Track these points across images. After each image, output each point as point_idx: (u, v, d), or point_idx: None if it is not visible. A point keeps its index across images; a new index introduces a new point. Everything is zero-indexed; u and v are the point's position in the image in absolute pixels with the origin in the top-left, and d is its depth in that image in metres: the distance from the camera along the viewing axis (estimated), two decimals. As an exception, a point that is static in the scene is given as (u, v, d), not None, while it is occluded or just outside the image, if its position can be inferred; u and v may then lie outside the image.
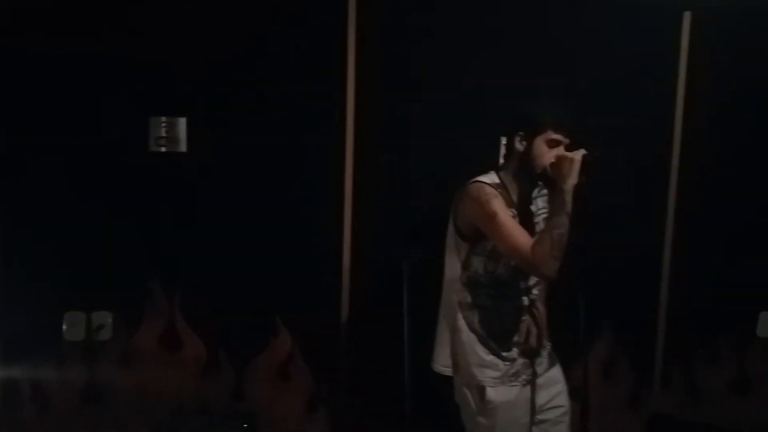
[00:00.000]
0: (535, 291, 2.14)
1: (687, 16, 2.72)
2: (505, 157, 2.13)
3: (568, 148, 1.98)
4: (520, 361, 2.10)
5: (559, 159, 1.95)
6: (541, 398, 2.14)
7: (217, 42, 2.60)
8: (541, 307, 2.19)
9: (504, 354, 2.08)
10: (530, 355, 2.12)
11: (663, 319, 2.85)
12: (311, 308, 2.72)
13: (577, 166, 1.91)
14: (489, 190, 2.01)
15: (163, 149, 2.61)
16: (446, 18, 2.67)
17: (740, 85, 2.74)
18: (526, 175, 2.06)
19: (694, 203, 2.79)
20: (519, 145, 2.03)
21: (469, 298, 2.10)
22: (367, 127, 2.67)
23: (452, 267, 2.13)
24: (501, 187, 2.05)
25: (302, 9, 2.62)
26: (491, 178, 2.08)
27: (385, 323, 2.58)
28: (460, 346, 2.12)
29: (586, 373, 2.07)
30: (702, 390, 2.91)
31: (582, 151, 1.93)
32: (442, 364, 2.22)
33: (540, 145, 1.99)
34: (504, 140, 2.15)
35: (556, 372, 2.21)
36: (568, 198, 1.90)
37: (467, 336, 2.10)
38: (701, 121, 2.76)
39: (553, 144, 1.99)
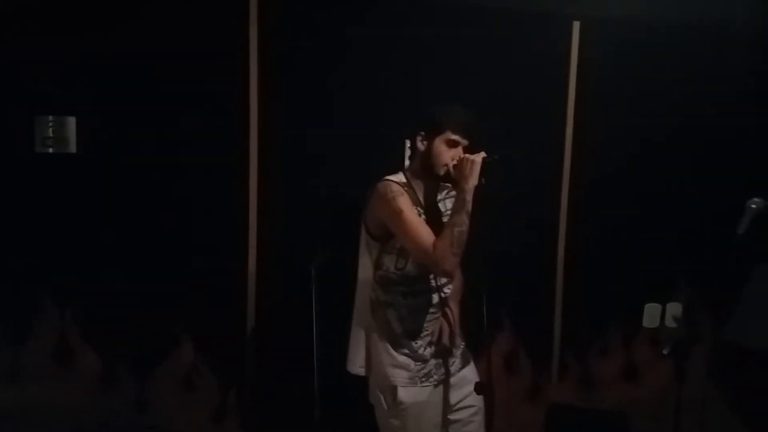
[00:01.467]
0: (446, 289, 2.19)
1: (576, 26, 2.87)
2: (411, 158, 2.19)
3: (470, 151, 2.05)
4: (433, 361, 2.14)
5: (460, 160, 2.03)
6: (453, 398, 2.20)
7: (112, 36, 2.48)
8: (454, 306, 2.25)
9: (416, 353, 2.12)
10: (443, 354, 2.17)
11: (559, 314, 2.99)
12: (215, 315, 2.65)
13: (477, 168, 1.99)
14: (395, 188, 2.05)
15: (51, 150, 2.46)
16: (352, 26, 2.69)
17: (626, 90, 2.92)
18: (429, 175, 2.12)
19: (584, 203, 2.95)
20: (421, 146, 2.10)
21: (382, 297, 2.13)
22: (271, 129, 2.64)
23: (365, 267, 2.16)
24: (407, 186, 2.10)
25: (202, 8, 2.55)
26: (399, 177, 2.13)
27: (293, 328, 2.55)
28: (374, 346, 2.15)
29: (490, 368, 2.13)
30: (595, 379, 3.08)
31: (482, 154, 2.01)
32: (358, 365, 2.22)
33: (439, 144, 2.06)
34: (408, 142, 2.20)
35: (469, 371, 2.27)
36: (468, 198, 1.98)
37: (380, 335, 2.13)
38: (590, 124, 2.92)
39: (452, 144, 2.06)
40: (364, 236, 2.16)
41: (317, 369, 2.41)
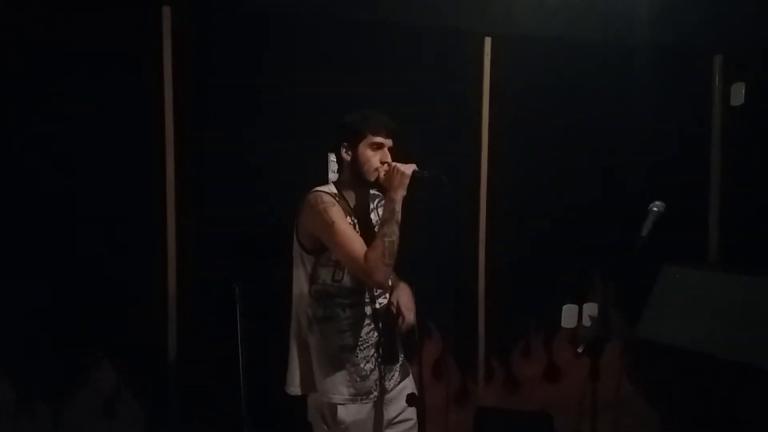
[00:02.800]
0: (379, 300, 2.17)
1: (488, 42, 2.98)
2: (339, 171, 2.19)
3: (400, 160, 2.07)
4: (373, 376, 2.11)
5: (390, 170, 2.04)
6: (393, 412, 2.18)
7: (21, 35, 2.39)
8: (408, 313, 2.18)
9: (356, 368, 2.08)
10: (382, 368, 2.14)
11: (482, 318, 3.07)
12: (136, 338, 2.56)
13: (406, 180, 2.01)
14: (327, 198, 2.04)
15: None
16: (271, 41, 2.70)
17: (537, 102, 3.05)
18: (360, 184, 2.12)
19: (501, 210, 3.05)
20: (346, 156, 2.11)
21: (319, 312, 2.09)
22: (188, 143, 2.60)
23: (299, 282, 2.12)
24: (339, 197, 2.10)
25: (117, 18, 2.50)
26: (329, 188, 2.12)
27: (218, 347, 2.50)
28: (313, 364, 2.10)
29: (422, 377, 2.15)
30: (519, 380, 3.17)
31: (412, 166, 2.04)
32: (292, 384, 2.15)
33: (364, 150, 2.08)
34: (332, 156, 2.21)
35: (408, 383, 2.25)
36: (398, 208, 2.00)
37: (319, 352, 2.09)
38: (505, 135, 3.03)
39: (376, 147, 2.08)
40: (297, 250, 2.13)
41: (244, 390, 2.37)
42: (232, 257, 2.60)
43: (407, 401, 2.07)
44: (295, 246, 2.13)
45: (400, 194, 2.01)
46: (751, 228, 3.10)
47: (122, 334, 2.54)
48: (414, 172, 2.03)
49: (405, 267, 2.10)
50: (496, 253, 3.05)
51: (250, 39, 2.67)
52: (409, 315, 2.15)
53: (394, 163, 2.06)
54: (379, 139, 2.08)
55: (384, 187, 2.08)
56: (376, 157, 2.08)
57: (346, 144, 2.10)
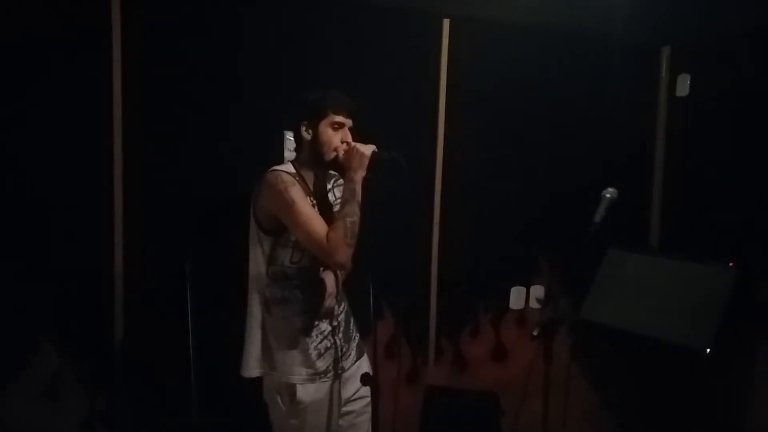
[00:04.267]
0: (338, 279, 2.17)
1: (446, 23, 2.98)
2: (296, 149, 2.15)
3: (359, 141, 2.06)
4: (330, 355, 2.12)
5: (350, 150, 2.03)
6: (349, 390, 2.20)
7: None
8: (343, 298, 2.23)
9: (315, 349, 2.08)
10: (339, 347, 2.15)
11: (434, 299, 3.10)
12: (80, 319, 2.46)
13: (365, 161, 2.01)
14: (287, 178, 2.01)
15: None
16: (227, 18, 2.61)
17: (494, 86, 3.08)
18: (319, 163, 2.10)
19: (456, 193, 3.07)
20: (306, 134, 2.07)
21: (278, 294, 2.07)
22: (137, 120, 2.50)
23: (256, 263, 2.09)
24: (297, 176, 2.07)
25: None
26: (287, 167, 2.08)
27: (168, 329, 2.44)
28: (271, 345, 2.08)
29: (376, 357, 2.17)
30: (468, 360, 3.23)
31: (372, 147, 2.03)
32: (252, 366, 2.12)
33: (325, 129, 2.05)
34: (290, 134, 2.17)
35: (363, 362, 2.28)
36: (358, 188, 2.00)
37: (277, 333, 2.08)
38: (461, 119, 3.04)
39: (337, 126, 2.06)
40: (254, 230, 2.09)
41: (194, 372, 2.32)
42: (183, 236, 2.53)
43: (361, 380, 2.11)
44: (253, 226, 2.09)
45: (360, 175, 2.00)
46: (691, 215, 3.24)
47: (66, 316, 2.44)
48: (373, 153, 2.03)
49: (360, 248, 2.09)
50: (449, 235, 3.08)
51: (203, 15, 2.58)
52: (330, 300, 2.13)
53: (354, 144, 2.05)
54: (340, 119, 2.06)
55: (342, 167, 2.06)
56: (336, 137, 2.06)
57: (306, 122, 2.07)
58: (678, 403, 2.96)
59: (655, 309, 2.83)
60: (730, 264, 2.70)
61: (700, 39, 3.18)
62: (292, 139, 2.17)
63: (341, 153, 2.05)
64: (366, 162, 2.00)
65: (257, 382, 2.19)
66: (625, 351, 3.06)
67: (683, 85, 3.31)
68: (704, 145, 3.17)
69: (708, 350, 2.68)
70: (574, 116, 3.24)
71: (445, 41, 2.99)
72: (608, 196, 2.26)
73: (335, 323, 2.16)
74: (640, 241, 3.36)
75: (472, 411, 3.05)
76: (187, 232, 2.55)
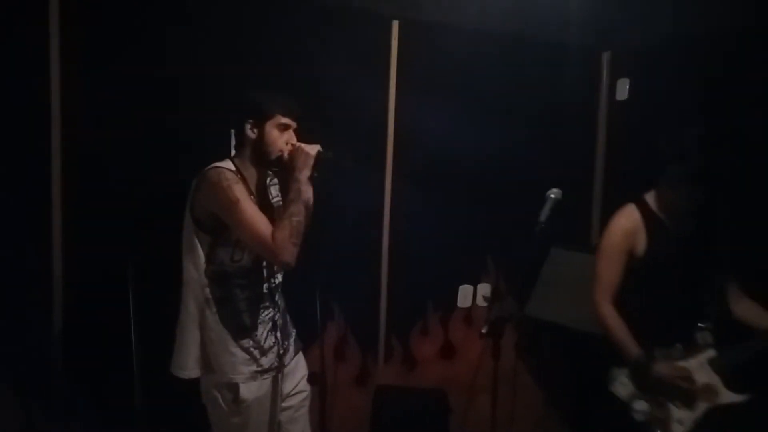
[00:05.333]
0: (278, 278, 2.17)
1: (395, 25, 3.00)
2: (237, 147, 2.11)
3: (306, 141, 2.04)
4: (271, 352, 2.11)
5: (295, 150, 2.02)
6: (287, 386, 2.19)
7: None
8: (281, 295, 2.21)
9: (256, 347, 2.07)
10: (278, 344, 2.14)
11: (384, 299, 3.12)
12: (16, 323, 2.35)
13: (310, 160, 2.00)
14: (230, 175, 1.98)
15: None
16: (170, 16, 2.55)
17: (440, 89, 3.11)
18: (261, 163, 2.08)
19: (405, 193, 3.08)
20: (251, 133, 2.04)
21: (217, 293, 2.03)
22: (76, 121, 2.43)
23: (194, 262, 2.03)
24: (238, 174, 2.04)
25: None
26: (228, 165, 2.05)
27: (109, 332, 2.36)
28: (211, 345, 2.04)
29: (323, 357, 2.17)
30: (417, 358, 3.26)
31: (317, 147, 2.03)
32: (189, 367, 2.06)
33: (271, 130, 2.03)
34: (233, 131, 2.12)
35: (300, 358, 2.28)
36: (304, 188, 1.99)
37: (218, 333, 2.04)
38: (411, 119, 3.06)
39: (283, 128, 2.04)
40: (191, 229, 2.03)
41: (137, 375, 2.26)
42: (123, 237, 2.45)
43: (309, 381, 2.14)
44: (189, 225, 2.04)
45: (305, 174, 2.00)
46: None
47: (2, 321, 2.33)
48: (318, 152, 2.03)
49: (308, 248, 2.07)
50: (398, 235, 3.10)
51: (142, 12, 2.51)
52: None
53: (298, 144, 2.05)
54: (287, 120, 2.05)
55: (287, 166, 2.05)
56: (282, 138, 2.05)
57: (251, 121, 2.04)
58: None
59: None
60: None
61: (639, 44, 3.32)
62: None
63: (286, 154, 2.05)
64: (311, 161, 2.00)
65: (196, 383, 2.13)
66: (569, 346, 3.15)
67: (623, 89, 3.44)
68: (642, 147, 3.30)
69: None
70: (520, 118, 3.30)
71: (395, 42, 3.01)
72: (552, 196, 2.32)
73: (277, 319, 2.15)
74: (581, 240, 3.47)
75: (421, 409, 3.08)
76: (130, 232, 2.47)
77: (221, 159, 2.06)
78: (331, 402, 2.59)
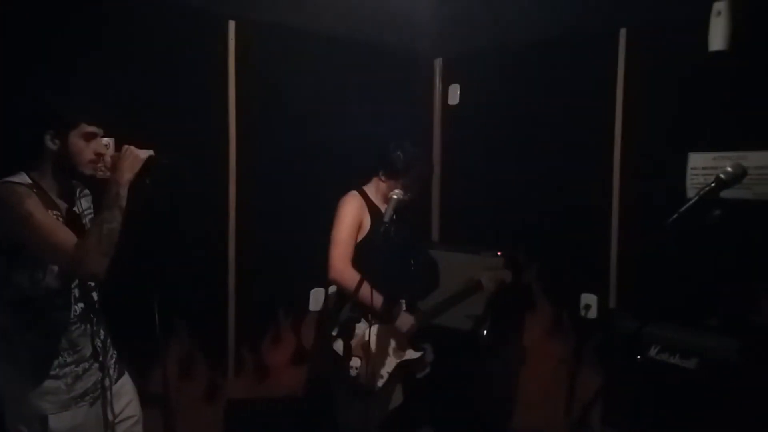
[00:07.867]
0: (93, 295, 2.02)
1: (232, 25, 2.91)
2: (35, 158, 1.91)
3: (133, 144, 1.91)
4: (87, 378, 1.95)
5: (123, 152, 1.88)
6: (114, 411, 2.05)
7: None
8: (99, 314, 2.05)
9: (66, 374, 1.90)
10: (95, 368, 1.99)
11: (233, 310, 3.01)
12: None
13: (138, 165, 1.87)
14: (20, 189, 1.79)
15: None
16: None
17: (282, 91, 3.08)
18: (66, 174, 1.92)
19: (251, 199, 3.01)
20: (51, 144, 1.87)
21: (18, 320, 1.84)
22: None
23: None
24: (36, 187, 1.85)
25: None
26: (21, 178, 1.85)
27: None
28: (12, 376, 1.85)
29: (166, 375, 2.06)
30: (269, 368, 3.18)
31: (149, 152, 1.91)
32: None
33: (77, 141, 1.87)
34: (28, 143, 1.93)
35: (125, 381, 2.14)
36: (123, 192, 1.85)
37: (18, 364, 1.85)
38: (253, 121, 2.99)
39: (89, 137, 1.89)
40: None
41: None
42: None
43: (152, 400, 2.06)
44: None
45: (126, 178, 1.86)
46: (466, 212, 3.58)
47: None
48: (150, 158, 1.90)
49: (143, 260, 1.94)
50: (246, 242, 3.01)
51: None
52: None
53: (128, 146, 1.91)
54: (93, 129, 1.89)
55: (92, 177, 1.91)
56: (89, 149, 1.89)
57: (52, 132, 1.86)
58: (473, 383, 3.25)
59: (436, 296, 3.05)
60: (498, 253, 3.02)
61: (468, 51, 3.54)
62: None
63: (100, 171, 1.90)
64: (137, 166, 1.87)
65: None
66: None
67: (454, 94, 3.65)
68: (473, 149, 3.53)
69: (485, 332, 2.98)
70: (359, 122, 3.35)
71: (232, 43, 2.93)
72: (395, 197, 2.40)
73: (95, 341, 1.99)
74: (424, 236, 3.62)
75: (277, 419, 3.02)
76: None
77: (14, 173, 1.86)
78: (177, 423, 2.46)
